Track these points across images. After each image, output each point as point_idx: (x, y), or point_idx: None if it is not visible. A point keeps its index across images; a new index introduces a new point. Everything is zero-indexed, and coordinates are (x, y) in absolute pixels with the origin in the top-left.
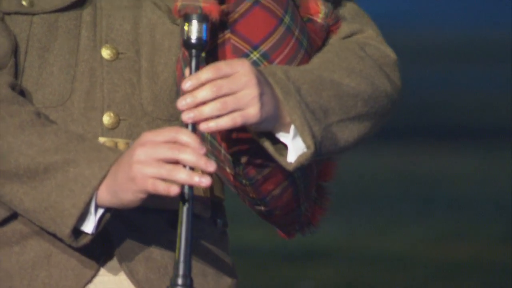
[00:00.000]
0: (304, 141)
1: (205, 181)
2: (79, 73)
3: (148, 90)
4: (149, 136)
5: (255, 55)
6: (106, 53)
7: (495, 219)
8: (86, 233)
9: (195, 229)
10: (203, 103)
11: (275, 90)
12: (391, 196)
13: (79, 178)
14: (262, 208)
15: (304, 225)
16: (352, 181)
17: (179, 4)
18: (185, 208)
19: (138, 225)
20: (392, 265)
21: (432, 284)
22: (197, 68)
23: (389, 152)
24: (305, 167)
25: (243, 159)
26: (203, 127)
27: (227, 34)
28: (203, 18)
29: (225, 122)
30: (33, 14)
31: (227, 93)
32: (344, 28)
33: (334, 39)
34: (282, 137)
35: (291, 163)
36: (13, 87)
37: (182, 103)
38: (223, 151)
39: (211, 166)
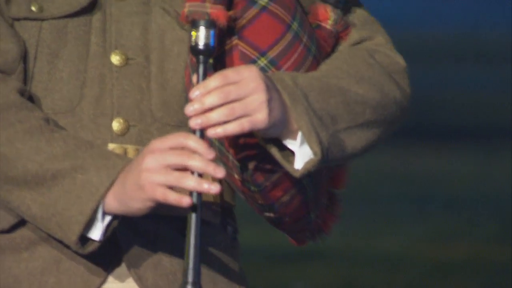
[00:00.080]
0: (311, 147)
1: (214, 188)
2: (88, 79)
3: (157, 96)
4: (157, 143)
5: (262, 62)
6: (115, 59)
7: (493, 219)
8: (93, 240)
9: (205, 235)
10: (211, 109)
11: (282, 96)
12: (388, 196)
13: (87, 185)
14: (271, 214)
15: (315, 232)
16: (349, 181)
17: (186, 10)
18: (193, 215)
19: (147, 231)
20: (390, 265)
21: (430, 284)
22: (205, 74)
23: (387, 151)
24: (314, 174)
25: (251, 165)
26: (211, 133)
27: (235, 40)
28: (211, 24)
29: (232, 128)
30: (42, 20)
31: (235, 99)
32: (354, 35)
33: (343, 46)
34: (289, 143)
35: (298, 170)
36: (22, 93)
37: (190, 109)
38: (230, 157)
39: (220, 172)
